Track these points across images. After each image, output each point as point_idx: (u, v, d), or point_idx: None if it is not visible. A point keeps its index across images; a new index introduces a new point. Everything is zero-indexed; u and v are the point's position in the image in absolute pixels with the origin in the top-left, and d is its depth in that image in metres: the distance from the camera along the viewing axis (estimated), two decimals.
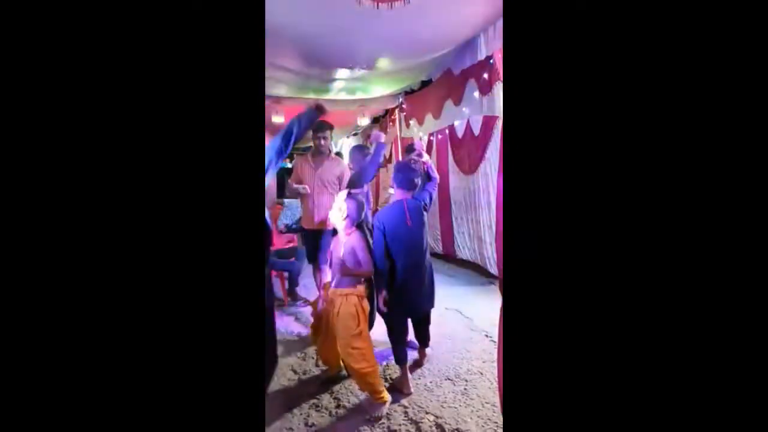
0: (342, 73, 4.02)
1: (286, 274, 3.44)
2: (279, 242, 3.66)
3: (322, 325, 1.98)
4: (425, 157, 2.31)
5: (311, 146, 2.93)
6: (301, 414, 1.86)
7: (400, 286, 1.98)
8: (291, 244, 3.76)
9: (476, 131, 3.64)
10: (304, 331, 2.80)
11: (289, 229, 3.50)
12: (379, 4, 2.16)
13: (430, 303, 2.17)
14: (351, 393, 2.02)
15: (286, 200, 3.67)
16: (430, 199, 2.17)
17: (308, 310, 3.15)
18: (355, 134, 7.87)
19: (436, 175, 2.31)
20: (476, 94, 3.63)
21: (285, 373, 2.24)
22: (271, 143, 1.74)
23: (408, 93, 5.22)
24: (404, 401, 1.93)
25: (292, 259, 3.46)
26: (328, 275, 2.07)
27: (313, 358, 2.41)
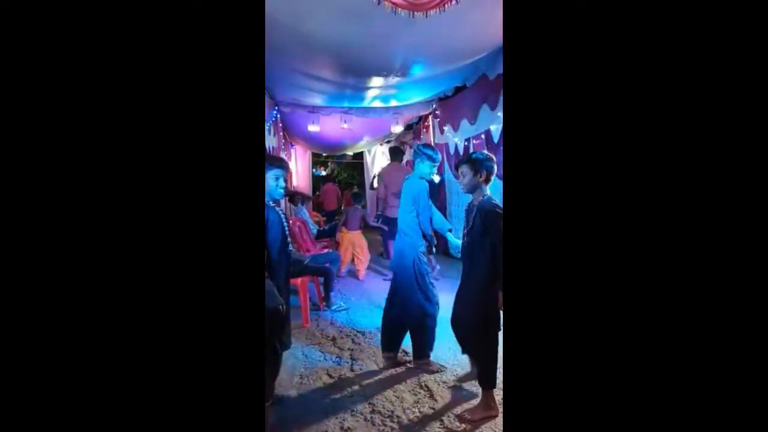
0: (376, 81, 4.06)
1: (321, 279, 3.49)
2: (314, 248, 3.73)
3: None
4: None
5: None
6: (336, 418, 1.87)
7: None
8: (326, 250, 3.81)
9: None
10: (339, 336, 2.83)
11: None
12: (415, 12, 2.18)
13: None
14: (385, 399, 2.02)
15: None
16: None
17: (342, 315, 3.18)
18: (388, 142, 7.92)
19: None
20: None
21: (321, 377, 2.27)
22: None
23: (442, 99, 5.20)
24: (439, 409, 1.91)
25: (327, 264, 3.50)
26: None
27: (347, 362, 2.43)
